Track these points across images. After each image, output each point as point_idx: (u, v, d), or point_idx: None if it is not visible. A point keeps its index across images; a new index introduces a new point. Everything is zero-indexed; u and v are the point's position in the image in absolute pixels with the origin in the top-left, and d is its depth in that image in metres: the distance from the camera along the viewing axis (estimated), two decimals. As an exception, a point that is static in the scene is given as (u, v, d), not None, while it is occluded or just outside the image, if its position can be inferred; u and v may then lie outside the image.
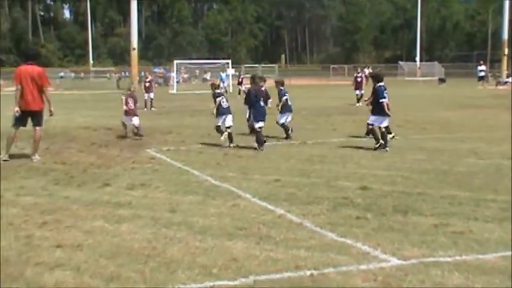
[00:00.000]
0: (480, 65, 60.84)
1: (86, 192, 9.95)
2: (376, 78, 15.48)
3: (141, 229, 7.57)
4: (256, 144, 14.95)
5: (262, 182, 10.64)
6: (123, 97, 18.29)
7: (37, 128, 13.49)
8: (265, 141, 15.12)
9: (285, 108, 17.30)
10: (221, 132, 15.72)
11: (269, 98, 17.57)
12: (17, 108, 13.24)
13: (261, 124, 15.17)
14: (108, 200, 9.30)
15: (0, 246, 6.88)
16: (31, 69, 13.30)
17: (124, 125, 18.12)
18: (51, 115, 13.69)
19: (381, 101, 14.73)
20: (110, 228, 7.63)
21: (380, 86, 14.94)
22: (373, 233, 7.35)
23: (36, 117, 13.48)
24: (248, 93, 15.84)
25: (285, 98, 17.40)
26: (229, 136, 15.65)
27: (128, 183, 10.62)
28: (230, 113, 15.85)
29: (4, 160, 13.14)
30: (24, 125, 13.58)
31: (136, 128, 17.58)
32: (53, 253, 6.62)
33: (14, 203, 9.20)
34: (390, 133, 16.09)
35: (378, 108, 14.85)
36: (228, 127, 15.65)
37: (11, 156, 13.42)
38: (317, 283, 5.69)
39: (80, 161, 13.32)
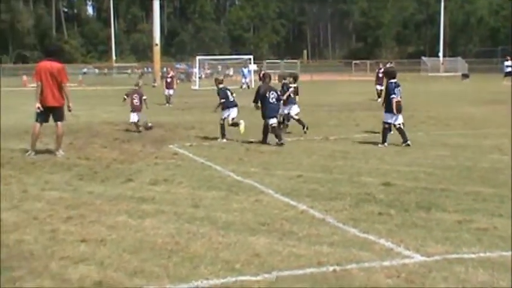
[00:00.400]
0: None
1: (109, 188, 10.02)
2: (389, 75, 15.33)
3: (164, 224, 7.61)
4: (276, 140, 14.99)
5: (284, 178, 10.63)
6: (127, 94, 19.07)
7: (59, 123, 13.59)
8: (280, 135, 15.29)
9: (289, 101, 17.18)
10: (223, 132, 16.00)
11: (297, 94, 17.91)
12: (38, 105, 13.36)
13: (273, 120, 15.35)
14: (132, 195, 9.36)
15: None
16: (50, 65, 13.41)
17: (134, 123, 18.45)
18: (70, 111, 13.78)
19: (390, 97, 14.63)
20: (133, 223, 7.67)
21: (391, 82, 14.81)
22: (396, 229, 7.32)
23: (57, 113, 13.58)
24: (257, 91, 15.91)
25: (290, 91, 17.35)
26: (234, 124, 16.10)
27: (151, 179, 10.67)
28: (236, 106, 16.26)
29: (30, 156, 13.28)
30: (47, 121, 13.69)
31: (136, 123, 18.21)
32: (77, 247, 6.68)
33: (39, 197, 9.30)
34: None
35: (389, 106, 14.73)
36: (233, 119, 16.10)
37: (37, 152, 13.54)
38: (340, 279, 5.68)
39: (103, 157, 13.41)
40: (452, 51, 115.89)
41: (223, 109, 16.20)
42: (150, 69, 72.79)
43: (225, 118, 16.18)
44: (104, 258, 6.31)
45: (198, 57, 58.68)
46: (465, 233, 7.09)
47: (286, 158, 12.91)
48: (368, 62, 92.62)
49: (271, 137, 15.20)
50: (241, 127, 15.92)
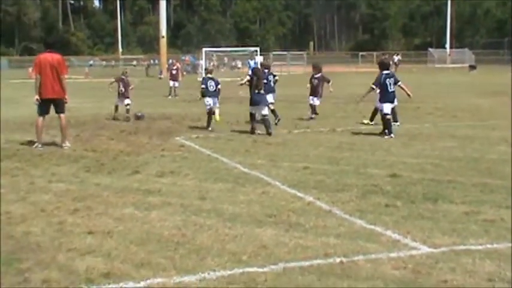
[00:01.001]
0: None
1: (116, 180, 10.03)
2: (383, 66, 15.61)
3: (170, 216, 7.62)
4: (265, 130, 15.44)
5: (291, 170, 10.63)
6: (113, 80, 20.57)
7: (61, 115, 13.63)
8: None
9: (267, 90, 16.97)
10: (210, 119, 16.74)
11: (328, 81, 19.05)
12: (36, 97, 13.43)
13: (265, 111, 15.73)
14: (138, 187, 9.37)
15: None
16: (50, 57, 13.46)
17: (116, 107, 19.93)
18: (66, 103, 13.81)
19: (372, 87, 15.28)
20: (139, 215, 7.69)
21: (383, 73, 15.17)
22: (403, 220, 7.31)
23: (58, 104, 13.62)
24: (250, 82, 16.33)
25: (268, 79, 17.63)
26: (214, 112, 17.00)
27: (157, 171, 10.68)
28: (217, 96, 17.13)
29: (37, 148, 13.32)
30: (48, 112, 13.73)
31: (127, 109, 19.44)
32: (84, 239, 6.69)
33: (46, 189, 9.32)
34: (396, 121, 16.40)
35: (385, 96, 15.10)
36: (217, 108, 17.13)
37: (43, 144, 13.58)
38: (347, 271, 5.68)
39: (110, 148, 13.43)
40: (459, 42, 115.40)
41: (203, 96, 16.95)
42: (156, 61, 72.75)
43: (208, 106, 16.83)
44: (111, 250, 6.32)
45: (204, 49, 58.60)
46: (472, 225, 7.07)
47: (293, 150, 12.90)
48: (374, 53, 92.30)
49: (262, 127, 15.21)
50: (217, 115, 17.11)
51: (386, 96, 15.06)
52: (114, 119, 19.53)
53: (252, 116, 15.87)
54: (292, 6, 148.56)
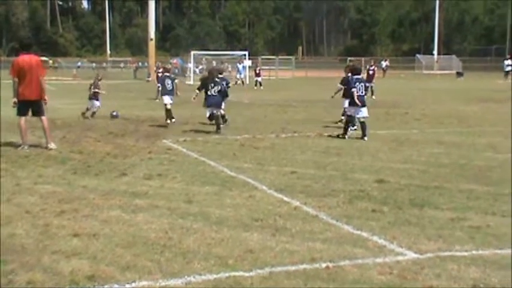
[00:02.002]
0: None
1: (103, 182, 10.00)
2: (355, 70, 16.35)
3: (157, 219, 7.60)
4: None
5: (278, 174, 10.63)
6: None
7: (42, 117, 13.56)
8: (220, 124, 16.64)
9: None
10: (167, 115, 18.03)
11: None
12: (14, 99, 13.35)
13: (214, 111, 16.85)
14: (125, 190, 9.34)
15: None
16: (29, 58, 13.39)
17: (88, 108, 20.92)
18: (45, 104, 13.74)
19: (351, 91, 15.49)
20: (126, 218, 7.66)
21: (354, 77, 15.82)
22: (389, 226, 7.33)
23: (37, 106, 13.54)
24: (202, 83, 18.40)
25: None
26: (169, 111, 18.36)
27: (144, 173, 10.65)
28: (172, 95, 18.47)
29: (24, 149, 13.24)
30: (26, 114, 13.63)
31: (93, 111, 20.62)
32: (70, 242, 6.66)
33: (32, 191, 9.27)
34: (354, 125, 16.18)
35: (352, 99, 15.52)
36: (170, 104, 18.32)
37: (30, 146, 13.51)
38: (333, 275, 5.68)
39: (97, 151, 13.38)
40: (447, 49, 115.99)
41: (162, 95, 18.46)
42: (145, 64, 72.59)
43: (165, 104, 18.36)
44: (97, 252, 6.30)
45: (192, 52, 58.59)
46: (458, 231, 7.10)
47: (280, 154, 12.90)
48: (363, 59, 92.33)
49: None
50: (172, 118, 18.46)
51: (359, 99, 15.39)
52: (85, 117, 20.52)
53: (211, 116, 17.28)
54: (282, 10, 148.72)
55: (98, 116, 20.18)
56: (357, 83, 15.46)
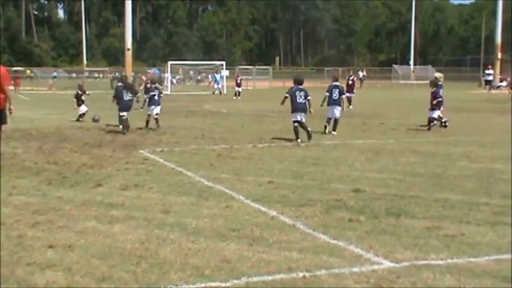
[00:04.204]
0: (488, 69, 61.00)
1: (78, 193, 9.92)
2: (297, 81, 17.41)
3: (133, 230, 7.56)
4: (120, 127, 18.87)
5: (255, 184, 10.63)
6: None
7: (2, 126, 13.38)
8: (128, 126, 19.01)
9: (152, 102, 20.46)
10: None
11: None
12: None
13: (124, 113, 19.01)
14: (101, 201, 9.28)
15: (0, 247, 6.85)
16: None
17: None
18: (11, 113, 13.58)
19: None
20: (102, 229, 7.61)
21: (295, 87, 17.10)
22: (366, 235, 7.35)
23: (1, 115, 13.38)
24: (116, 90, 20.22)
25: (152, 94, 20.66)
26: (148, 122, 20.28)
27: (121, 184, 10.60)
28: (159, 105, 20.66)
29: None
30: None
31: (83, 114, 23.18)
32: (44, 253, 6.60)
33: (6, 202, 9.17)
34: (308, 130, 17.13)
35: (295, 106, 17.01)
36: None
37: (3, 157, 13.36)
38: (309, 285, 5.69)
39: (72, 161, 13.28)
40: (423, 59, 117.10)
41: (148, 105, 20.41)
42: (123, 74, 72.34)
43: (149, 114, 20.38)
44: (72, 264, 6.25)
45: (170, 62, 58.55)
46: (433, 240, 7.15)
47: (258, 164, 12.90)
48: (340, 69, 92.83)
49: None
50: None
51: (294, 107, 16.94)
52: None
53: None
54: (259, 21, 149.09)
55: (75, 125, 20.01)
56: (298, 92, 17.01)
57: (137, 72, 58.32)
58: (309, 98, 17.10)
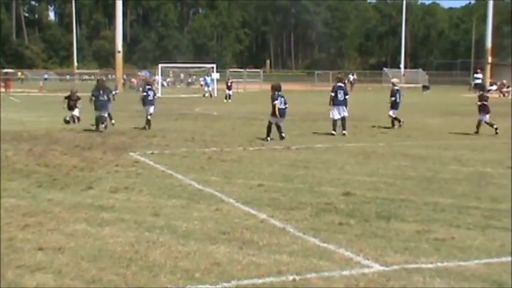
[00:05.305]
0: (477, 72, 61.21)
1: (68, 195, 9.90)
2: (276, 88, 18.41)
3: (123, 232, 7.54)
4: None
5: (245, 187, 10.63)
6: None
7: None
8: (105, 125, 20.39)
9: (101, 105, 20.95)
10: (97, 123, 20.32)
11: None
12: None
13: (104, 113, 20.60)
14: (91, 203, 9.26)
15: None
16: None
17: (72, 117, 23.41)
18: None
19: (274, 103, 17.92)
20: (92, 232, 7.59)
21: (276, 93, 18.11)
22: (356, 239, 7.36)
23: None
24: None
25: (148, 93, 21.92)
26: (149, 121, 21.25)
27: (111, 187, 10.57)
28: (153, 105, 21.78)
29: None
30: None
31: (77, 117, 23.33)
32: (34, 256, 6.58)
33: (-4, 205, 9.14)
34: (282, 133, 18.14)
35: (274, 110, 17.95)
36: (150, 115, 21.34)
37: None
38: (299, 288, 5.69)
39: (63, 164, 13.24)
40: (413, 63, 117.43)
41: (144, 105, 21.64)
42: (113, 76, 72.25)
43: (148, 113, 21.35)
44: (62, 266, 6.23)
45: (160, 65, 58.47)
46: (424, 243, 7.17)
47: (248, 167, 12.91)
48: (331, 72, 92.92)
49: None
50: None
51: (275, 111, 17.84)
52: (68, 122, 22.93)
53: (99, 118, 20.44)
54: (249, 24, 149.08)
55: (66, 128, 19.94)
56: (280, 98, 18.09)
57: (128, 74, 58.25)
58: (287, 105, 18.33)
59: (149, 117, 21.30)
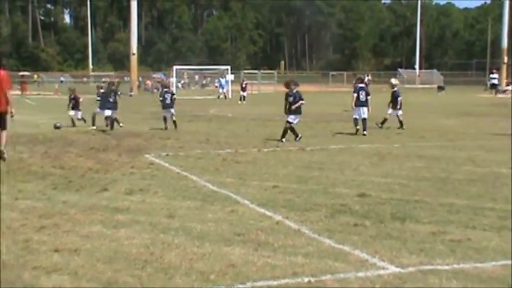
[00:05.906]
0: (493, 73, 60.92)
1: (84, 197, 9.94)
2: (294, 84, 18.59)
3: (139, 234, 7.56)
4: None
5: (260, 188, 10.63)
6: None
7: (3, 131, 13.44)
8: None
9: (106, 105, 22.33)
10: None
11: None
12: None
13: (108, 112, 21.68)
14: (107, 205, 9.29)
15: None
16: None
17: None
18: (12, 116, 13.65)
19: (300, 102, 18.02)
20: (107, 233, 7.62)
21: (295, 91, 18.18)
22: (371, 240, 7.34)
23: (1, 119, 13.44)
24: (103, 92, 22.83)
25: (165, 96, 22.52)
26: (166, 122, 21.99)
27: (126, 188, 10.61)
28: (172, 107, 22.28)
29: None
30: None
31: (82, 118, 23.70)
32: (50, 257, 6.61)
33: (12, 206, 9.19)
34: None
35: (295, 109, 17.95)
36: (106, 117, 21.94)
37: (10, 161, 13.40)
38: (314, 290, 5.68)
39: (78, 166, 13.31)
40: (428, 63, 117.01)
41: (162, 108, 22.39)
42: (128, 79, 72.46)
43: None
44: (78, 268, 6.26)
45: (175, 67, 58.63)
46: (439, 245, 7.13)
47: (262, 169, 12.90)
48: (345, 73, 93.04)
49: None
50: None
51: (290, 108, 17.93)
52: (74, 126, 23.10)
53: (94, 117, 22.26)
54: (264, 25, 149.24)
55: (81, 130, 20.03)
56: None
57: (143, 76, 58.41)
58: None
59: (174, 118, 21.87)
